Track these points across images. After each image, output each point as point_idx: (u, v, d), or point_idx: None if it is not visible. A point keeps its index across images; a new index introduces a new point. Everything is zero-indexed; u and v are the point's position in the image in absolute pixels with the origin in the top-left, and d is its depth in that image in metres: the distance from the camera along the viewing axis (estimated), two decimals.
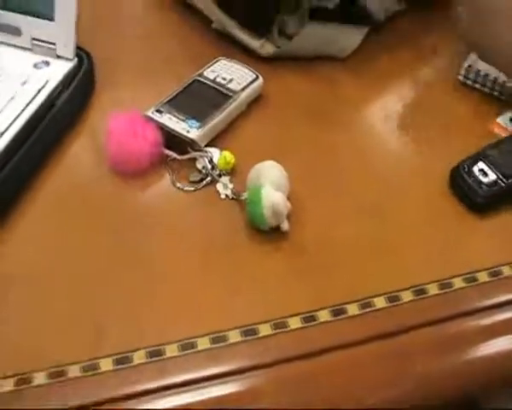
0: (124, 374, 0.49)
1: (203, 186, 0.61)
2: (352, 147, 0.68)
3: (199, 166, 0.62)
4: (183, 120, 0.63)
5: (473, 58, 0.73)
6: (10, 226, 0.58)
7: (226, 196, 0.60)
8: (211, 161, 0.62)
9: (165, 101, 0.65)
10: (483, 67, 0.72)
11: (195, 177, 0.62)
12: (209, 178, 0.61)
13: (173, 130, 0.63)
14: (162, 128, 0.63)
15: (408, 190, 0.63)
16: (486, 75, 0.71)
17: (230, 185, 0.61)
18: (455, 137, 0.69)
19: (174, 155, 0.62)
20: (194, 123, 0.62)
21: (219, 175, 0.61)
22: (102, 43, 0.72)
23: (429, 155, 0.67)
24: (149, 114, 0.64)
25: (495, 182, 0.61)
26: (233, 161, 0.62)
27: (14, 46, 0.69)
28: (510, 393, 0.63)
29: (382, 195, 0.62)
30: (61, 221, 0.59)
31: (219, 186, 0.61)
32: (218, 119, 0.64)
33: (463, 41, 0.70)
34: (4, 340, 0.50)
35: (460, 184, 0.62)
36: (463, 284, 0.55)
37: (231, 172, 0.62)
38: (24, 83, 0.65)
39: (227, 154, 0.62)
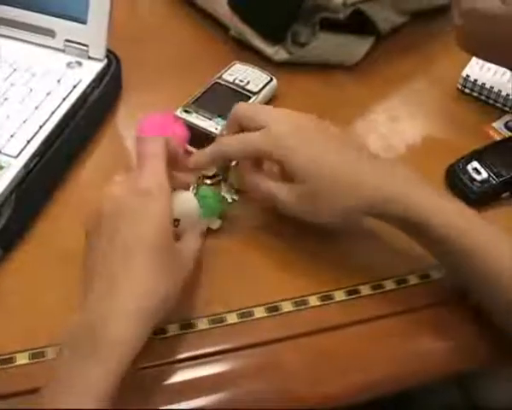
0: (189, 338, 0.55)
1: (216, 182, 0.64)
2: None
3: None
4: (210, 119, 0.69)
5: (470, 68, 0.79)
6: (52, 212, 0.63)
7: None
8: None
9: (191, 101, 0.71)
10: (480, 77, 0.78)
11: (209, 171, 0.65)
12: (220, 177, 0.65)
13: (202, 128, 0.68)
14: (189, 126, 0.68)
15: None
16: (483, 84, 0.77)
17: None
18: (452, 138, 0.75)
19: (194, 150, 0.67)
20: (221, 121, 0.68)
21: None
22: (125, 47, 0.76)
23: (428, 155, 0.73)
24: (178, 113, 0.69)
25: (487, 180, 0.67)
26: None
27: (48, 47, 0.74)
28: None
29: None
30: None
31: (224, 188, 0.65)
32: None
33: (462, 46, 0.73)
34: None
35: (455, 181, 0.67)
36: None
37: None
38: (59, 80, 0.70)
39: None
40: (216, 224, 0.62)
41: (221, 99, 0.71)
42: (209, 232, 0.61)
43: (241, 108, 0.61)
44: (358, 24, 0.80)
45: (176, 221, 0.58)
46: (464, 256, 0.53)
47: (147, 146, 0.54)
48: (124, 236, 0.49)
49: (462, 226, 0.53)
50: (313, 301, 0.57)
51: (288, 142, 0.57)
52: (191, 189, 0.61)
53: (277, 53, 0.79)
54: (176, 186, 0.57)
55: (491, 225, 0.55)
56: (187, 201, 0.59)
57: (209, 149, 0.60)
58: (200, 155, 0.61)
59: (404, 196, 0.54)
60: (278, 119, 0.59)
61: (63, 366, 0.46)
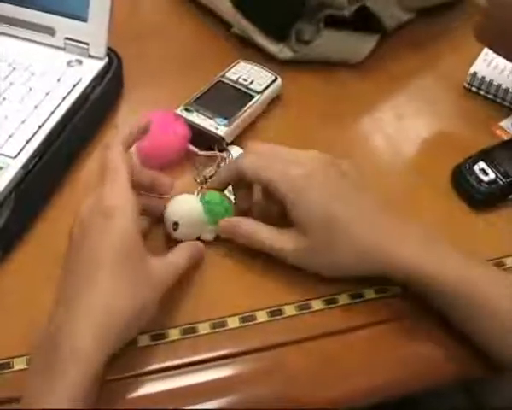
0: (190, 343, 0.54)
1: None
2: (363, 145, 0.73)
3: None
4: (211, 118, 0.67)
5: (478, 65, 0.78)
6: (51, 213, 0.62)
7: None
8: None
9: (192, 100, 0.70)
10: (487, 74, 0.76)
11: (209, 173, 0.64)
12: None
13: (203, 127, 0.67)
14: (190, 125, 0.67)
15: (413, 186, 0.68)
16: (490, 82, 0.76)
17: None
18: (459, 137, 0.74)
19: (196, 150, 0.66)
20: (222, 121, 0.67)
21: None
22: (126, 45, 0.75)
23: (434, 154, 0.72)
24: (179, 112, 0.68)
25: (494, 180, 0.65)
26: None
27: (48, 45, 0.73)
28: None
29: (390, 189, 0.67)
30: None
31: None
32: (243, 117, 0.69)
33: (478, 34, 0.72)
34: None
35: (461, 182, 0.66)
36: None
37: None
38: (59, 79, 0.69)
39: None
40: (210, 235, 0.59)
41: (223, 98, 0.70)
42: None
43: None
44: (363, 21, 0.78)
45: (175, 224, 0.57)
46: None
47: (108, 159, 0.53)
48: (89, 253, 0.49)
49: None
50: (317, 304, 0.56)
51: (304, 189, 0.54)
52: (195, 193, 0.60)
53: (281, 51, 0.78)
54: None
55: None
56: (188, 204, 0.58)
57: (227, 166, 0.62)
58: (217, 174, 0.62)
59: (416, 264, 0.53)
60: (299, 160, 0.57)
61: (31, 380, 0.46)
